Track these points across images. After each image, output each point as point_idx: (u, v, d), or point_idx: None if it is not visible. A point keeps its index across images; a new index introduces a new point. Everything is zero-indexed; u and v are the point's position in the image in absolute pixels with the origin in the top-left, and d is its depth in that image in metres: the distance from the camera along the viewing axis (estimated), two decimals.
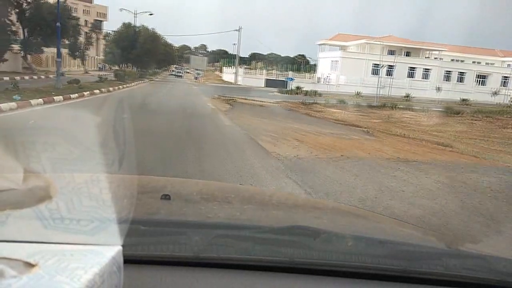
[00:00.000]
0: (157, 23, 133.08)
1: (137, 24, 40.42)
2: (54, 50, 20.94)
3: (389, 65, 39.87)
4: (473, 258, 0.95)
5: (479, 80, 48.84)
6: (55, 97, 13.07)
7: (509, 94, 40.52)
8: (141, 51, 38.02)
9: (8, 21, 26.69)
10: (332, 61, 49.01)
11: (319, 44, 55.14)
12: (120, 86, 23.36)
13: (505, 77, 48.09)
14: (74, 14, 35.07)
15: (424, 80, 46.82)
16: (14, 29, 28.11)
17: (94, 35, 42.49)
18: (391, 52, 46.81)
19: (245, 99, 22.06)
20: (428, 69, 47.53)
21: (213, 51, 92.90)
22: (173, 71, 67.17)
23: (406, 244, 0.98)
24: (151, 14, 39.85)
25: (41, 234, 0.63)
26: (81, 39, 38.88)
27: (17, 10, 27.57)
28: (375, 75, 40.00)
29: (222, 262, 0.78)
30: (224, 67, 65.83)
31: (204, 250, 0.77)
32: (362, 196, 4.84)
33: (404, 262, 0.84)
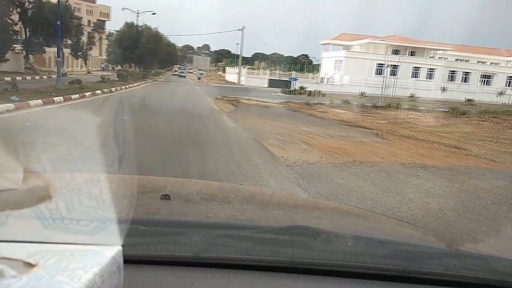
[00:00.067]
0: (159, 23, 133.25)
1: (140, 24, 40.48)
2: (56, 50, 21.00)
3: (393, 65, 39.67)
4: (473, 258, 0.95)
5: (484, 80, 48.52)
6: (55, 98, 12.88)
7: None
8: (144, 51, 37.94)
9: (9, 21, 26.57)
10: (335, 61, 48.85)
11: (323, 44, 55.00)
12: (123, 87, 23.38)
13: (510, 77, 47.80)
14: (77, 14, 35.13)
15: (429, 80, 46.57)
16: (16, 29, 28.01)
17: (97, 35, 42.44)
18: (395, 52, 46.54)
19: (248, 99, 22.03)
20: (432, 69, 47.25)
21: (216, 51, 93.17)
22: (176, 71, 67.36)
23: (406, 244, 0.98)
24: (153, 14, 39.93)
25: (41, 234, 0.63)
26: (84, 39, 38.94)
27: (19, 10, 27.44)
28: (379, 75, 39.92)
29: (222, 262, 0.78)
30: (227, 67, 65.84)
31: (204, 250, 0.77)
32: (384, 210, 4.39)
33: (404, 262, 0.83)
